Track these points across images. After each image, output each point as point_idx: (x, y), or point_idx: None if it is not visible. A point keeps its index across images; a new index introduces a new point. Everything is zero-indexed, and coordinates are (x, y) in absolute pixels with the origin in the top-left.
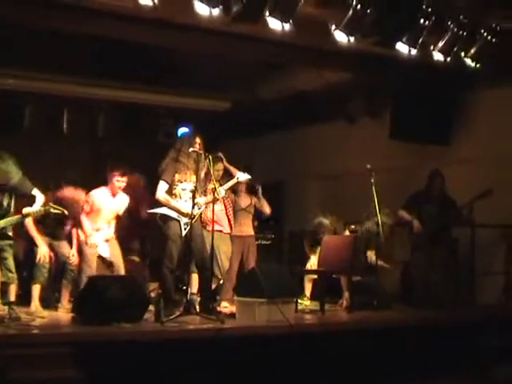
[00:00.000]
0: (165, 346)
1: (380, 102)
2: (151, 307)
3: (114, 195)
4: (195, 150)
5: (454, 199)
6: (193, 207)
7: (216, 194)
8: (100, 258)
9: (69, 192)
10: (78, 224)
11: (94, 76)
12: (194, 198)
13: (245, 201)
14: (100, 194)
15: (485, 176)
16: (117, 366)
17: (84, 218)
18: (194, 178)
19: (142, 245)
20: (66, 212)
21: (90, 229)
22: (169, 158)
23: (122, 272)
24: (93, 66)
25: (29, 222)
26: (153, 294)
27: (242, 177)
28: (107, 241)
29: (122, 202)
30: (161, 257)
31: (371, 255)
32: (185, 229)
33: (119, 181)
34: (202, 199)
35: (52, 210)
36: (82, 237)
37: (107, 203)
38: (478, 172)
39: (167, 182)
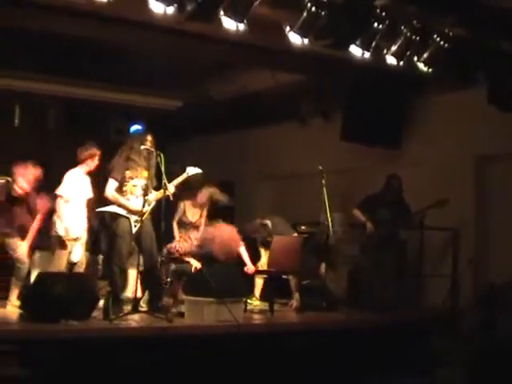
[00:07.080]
0: (112, 344)
1: (332, 103)
2: (100, 305)
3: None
4: (147, 147)
5: (408, 204)
6: (143, 206)
7: (166, 191)
8: None
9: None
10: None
11: (47, 71)
12: (145, 195)
13: (194, 213)
14: (74, 175)
15: (435, 179)
16: (64, 364)
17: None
18: (145, 173)
19: (94, 241)
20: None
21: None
22: (119, 155)
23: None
24: (45, 61)
25: None
26: (102, 292)
27: (192, 171)
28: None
29: (88, 183)
30: (110, 254)
31: (321, 266)
32: (135, 226)
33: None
34: (151, 196)
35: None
36: (59, 229)
37: (82, 185)
38: (428, 175)
39: (116, 180)
